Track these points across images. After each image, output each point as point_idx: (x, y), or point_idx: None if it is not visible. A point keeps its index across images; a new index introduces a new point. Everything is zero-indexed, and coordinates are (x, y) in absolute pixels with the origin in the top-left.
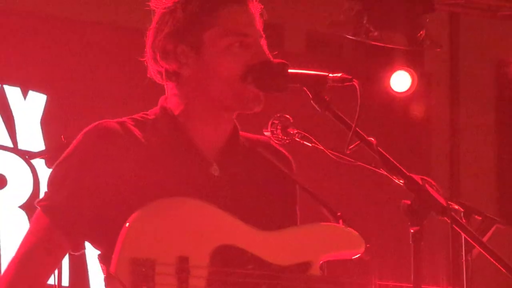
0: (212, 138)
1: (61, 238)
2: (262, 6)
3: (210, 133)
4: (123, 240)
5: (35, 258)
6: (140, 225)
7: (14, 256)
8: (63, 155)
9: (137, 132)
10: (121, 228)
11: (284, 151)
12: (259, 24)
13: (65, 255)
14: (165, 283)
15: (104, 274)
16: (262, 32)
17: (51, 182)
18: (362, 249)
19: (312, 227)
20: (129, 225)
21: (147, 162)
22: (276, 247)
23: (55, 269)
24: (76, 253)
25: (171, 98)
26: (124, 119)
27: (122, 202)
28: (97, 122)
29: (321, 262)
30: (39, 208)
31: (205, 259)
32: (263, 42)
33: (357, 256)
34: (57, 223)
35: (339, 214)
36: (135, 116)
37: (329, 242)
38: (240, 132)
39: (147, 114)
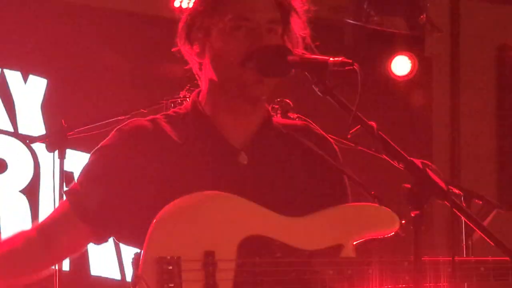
0: (240, 128)
1: (85, 230)
2: None
3: (238, 123)
4: (149, 239)
5: (52, 234)
6: (164, 223)
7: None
8: (94, 151)
9: (168, 128)
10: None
11: (324, 134)
12: (270, 10)
13: (87, 244)
14: (192, 279)
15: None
16: (274, 18)
17: (80, 177)
18: (397, 226)
19: (343, 209)
20: (154, 224)
21: (176, 158)
22: (305, 232)
23: (67, 255)
24: (98, 244)
25: (202, 91)
26: (156, 116)
27: (151, 200)
28: (129, 121)
29: (354, 243)
30: (65, 198)
31: (232, 251)
32: (273, 27)
33: (392, 233)
34: (83, 218)
35: (373, 192)
36: (168, 112)
37: (361, 222)
38: (276, 119)
39: (180, 109)
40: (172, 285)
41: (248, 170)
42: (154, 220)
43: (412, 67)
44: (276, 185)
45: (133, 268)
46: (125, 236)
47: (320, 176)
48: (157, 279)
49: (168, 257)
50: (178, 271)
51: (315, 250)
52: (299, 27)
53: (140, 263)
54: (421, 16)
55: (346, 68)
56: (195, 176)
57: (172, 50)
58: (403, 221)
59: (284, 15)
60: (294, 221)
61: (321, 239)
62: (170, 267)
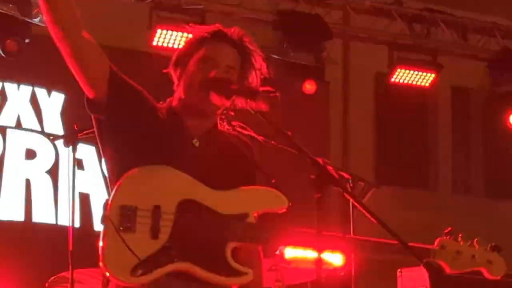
0: (197, 125)
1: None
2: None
3: (196, 123)
4: (115, 191)
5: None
6: (128, 182)
7: None
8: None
9: (157, 107)
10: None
11: (248, 142)
12: (231, 59)
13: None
14: (143, 223)
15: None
16: (231, 64)
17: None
18: (285, 206)
19: (251, 190)
20: (121, 181)
21: (161, 125)
22: (224, 202)
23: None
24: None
25: (175, 99)
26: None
27: (142, 133)
28: None
29: (255, 213)
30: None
31: (173, 208)
32: (229, 71)
33: (282, 211)
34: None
35: (273, 181)
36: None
37: (261, 200)
38: (221, 128)
39: (161, 104)
40: (129, 224)
41: (197, 150)
42: (121, 179)
43: (315, 89)
44: (212, 165)
45: (103, 211)
46: (108, 126)
47: (238, 166)
48: (119, 219)
49: (128, 205)
50: (134, 216)
51: (229, 214)
52: (254, 78)
53: (108, 207)
54: (323, 53)
55: (270, 94)
56: (167, 145)
57: (163, 71)
58: (290, 203)
59: (244, 66)
60: (217, 193)
61: (234, 207)
62: (129, 212)
